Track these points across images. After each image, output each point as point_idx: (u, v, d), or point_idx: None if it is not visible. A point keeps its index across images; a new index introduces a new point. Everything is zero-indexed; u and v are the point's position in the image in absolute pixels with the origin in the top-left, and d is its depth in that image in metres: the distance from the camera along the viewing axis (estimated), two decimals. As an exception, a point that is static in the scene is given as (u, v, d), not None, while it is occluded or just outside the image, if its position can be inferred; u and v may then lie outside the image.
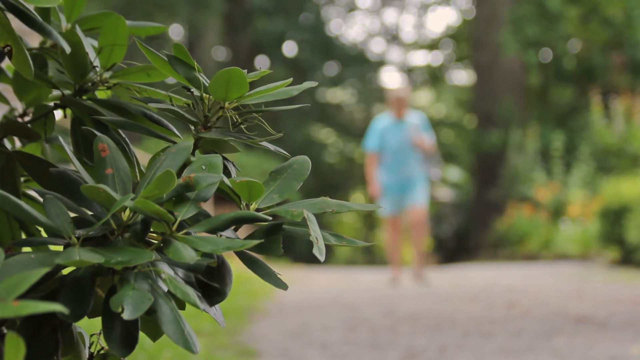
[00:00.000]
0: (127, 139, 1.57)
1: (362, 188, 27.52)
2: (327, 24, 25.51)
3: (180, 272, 1.40)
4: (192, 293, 1.29)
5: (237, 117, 1.53)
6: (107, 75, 1.57)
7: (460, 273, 11.50)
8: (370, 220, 27.63)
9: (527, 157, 16.74)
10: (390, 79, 51.38)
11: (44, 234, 1.41)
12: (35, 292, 1.34)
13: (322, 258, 1.34)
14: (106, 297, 1.33)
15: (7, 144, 1.64)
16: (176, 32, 23.88)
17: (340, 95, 26.98)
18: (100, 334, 1.50)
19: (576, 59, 19.54)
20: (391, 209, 9.96)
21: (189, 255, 1.27)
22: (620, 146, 13.83)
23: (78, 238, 1.32)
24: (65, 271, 1.34)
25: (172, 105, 1.54)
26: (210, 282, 1.42)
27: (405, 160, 9.99)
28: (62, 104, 1.59)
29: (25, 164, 1.54)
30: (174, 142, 1.49)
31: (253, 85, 1.53)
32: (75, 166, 1.43)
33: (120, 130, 1.57)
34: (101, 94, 1.64)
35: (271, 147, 1.55)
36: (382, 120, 10.27)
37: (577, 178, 14.47)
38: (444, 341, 4.92)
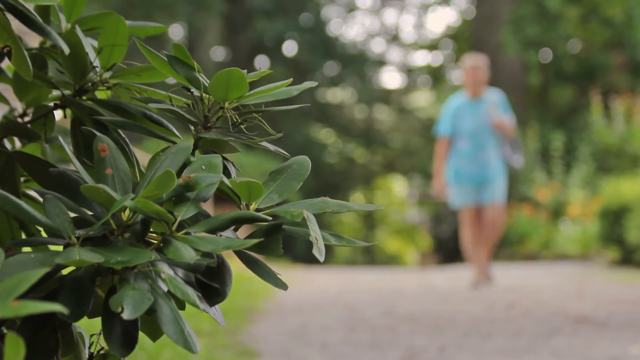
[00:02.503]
0: (127, 139, 1.57)
1: (362, 188, 27.53)
2: (327, 24, 25.51)
3: (180, 272, 1.40)
4: (192, 293, 1.29)
5: (237, 117, 1.53)
6: (107, 75, 1.57)
7: (460, 273, 11.50)
8: (370, 220, 27.63)
9: (527, 157, 16.75)
10: (390, 79, 51.41)
11: (44, 234, 1.41)
12: (35, 292, 1.34)
13: (321, 258, 1.34)
14: (106, 297, 1.33)
15: (7, 144, 1.65)
16: (176, 32, 23.88)
17: (340, 95, 26.98)
18: (100, 334, 1.50)
19: (576, 59, 19.53)
20: (467, 200, 8.75)
21: (189, 255, 1.27)
22: (620, 146, 13.84)
23: (78, 238, 1.32)
24: (65, 271, 1.35)
25: (172, 105, 1.54)
26: (210, 282, 1.42)
27: (483, 146, 8.71)
28: (62, 104, 1.59)
29: (25, 164, 1.54)
30: (174, 142, 1.50)
31: (253, 85, 1.53)
32: (75, 166, 1.43)
33: (120, 131, 1.57)
34: (101, 94, 1.64)
35: (271, 147, 1.56)
36: (456, 100, 8.95)
37: (577, 178, 14.47)
38: (444, 341, 4.92)
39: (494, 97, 8.83)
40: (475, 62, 8.79)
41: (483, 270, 8.68)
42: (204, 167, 1.41)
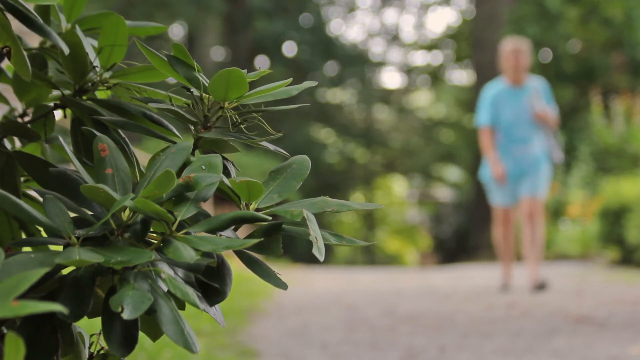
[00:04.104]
0: (127, 139, 1.57)
1: (362, 188, 27.53)
2: (327, 24, 25.52)
3: (180, 272, 1.40)
4: (192, 293, 1.29)
5: (237, 117, 1.53)
6: (107, 75, 1.57)
7: (460, 273, 11.50)
8: (370, 220, 27.64)
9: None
10: (390, 78, 51.41)
11: (44, 234, 1.41)
12: (35, 292, 1.34)
13: (321, 258, 1.34)
14: (106, 297, 1.33)
15: (7, 144, 1.65)
16: (176, 32, 23.89)
17: (340, 96, 26.99)
18: (100, 334, 1.50)
19: (576, 59, 19.53)
20: (504, 198, 8.09)
21: (189, 255, 1.27)
22: (620, 146, 13.83)
23: (78, 238, 1.32)
24: (65, 271, 1.35)
25: (172, 105, 1.54)
26: (210, 282, 1.42)
27: (523, 138, 7.97)
28: (62, 104, 1.59)
29: (25, 164, 1.54)
30: (174, 142, 1.50)
31: (253, 85, 1.53)
32: (75, 166, 1.43)
33: (120, 130, 1.57)
34: (101, 94, 1.64)
35: (271, 147, 1.56)
36: (494, 87, 8.18)
37: (577, 178, 14.46)
38: (444, 341, 4.92)
39: (536, 84, 8.07)
40: (517, 45, 8.01)
41: (534, 273, 7.91)
42: (203, 167, 1.41)
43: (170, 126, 1.58)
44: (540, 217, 7.98)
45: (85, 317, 1.35)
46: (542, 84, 8.12)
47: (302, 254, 17.88)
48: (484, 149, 8.08)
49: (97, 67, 1.57)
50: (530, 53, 8.16)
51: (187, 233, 1.36)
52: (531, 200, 7.93)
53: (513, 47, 7.99)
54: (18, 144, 1.78)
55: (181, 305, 1.41)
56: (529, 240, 7.99)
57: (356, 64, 25.08)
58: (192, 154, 1.50)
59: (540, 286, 7.72)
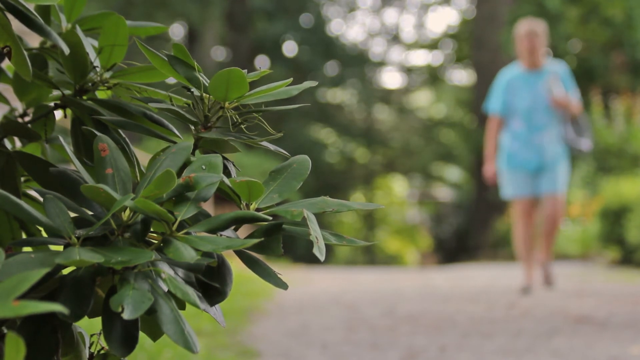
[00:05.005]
0: (127, 139, 1.57)
1: (362, 188, 27.54)
2: (327, 24, 25.52)
3: (181, 272, 1.40)
4: (192, 293, 1.29)
5: (237, 117, 1.53)
6: (107, 75, 1.58)
7: (460, 273, 11.50)
8: (370, 220, 27.64)
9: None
10: (390, 78, 51.43)
11: (44, 234, 1.41)
12: (35, 292, 1.34)
13: (322, 258, 1.34)
14: (106, 297, 1.33)
15: (7, 144, 1.65)
16: (176, 32, 23.89)
17: (340, 96, 27.00)
18: (100, 334, 1.50)
19: (576, 59, 19.53)
20: (522, 190, 7.54)
21: (189, 254, 1.27)
22: (620, 146, 13.83)
23: (78, 238, 1.32)
24: (65, 271, 1.35)
25: (172, 105, 1.55)
26: (211, 282, 1.42)
27: (540, 126, 7.47)
28: (62, 104, 1.59)
29: (25, 164, 1.54)
30: (174, 142, 1.50)
31: (253, 85, 1.53)
32: (75, 166, 1.43)
33: (120, 130, 1.57)
34: (101, 94, 1.64)
35: (271, 147, 1.56)
36: (509, 72, 7.69)
37: (577, 178, 14.46)
38: (444, 341, 4.92)
39: (556, 68, 7.54)
40: (532, 27, 7.46)
41: (546, 273, 7.60)
42: (204, 167, 1.41)
43: (171, 126, 1.58)
44: (562, 216, 7.66)
45: (86, 317, 1.35)
46: (562, 67, 7.59)
47: (302, 254, 17.88)
48: (486, 139, 7.71)
49: (97, 67, 1.57)
50: (546, 36, 7.59)
51: (188, 233, 1.36)
52: (553, 199, 7.51)
53: (527, 30, 7.45)
54: (18, 144, 1.78)
55: (181, 305, 1.41)
56: (545, 239, 7.67)
57: (356, 64, 25.09)
58: (193, 154, 1.50)
59: (550, 284, 7.56)
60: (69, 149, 1.50)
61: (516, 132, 7.51)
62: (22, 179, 1.66)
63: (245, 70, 1.48)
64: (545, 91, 7.44)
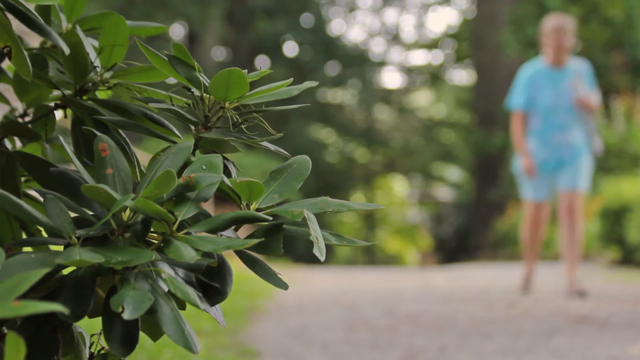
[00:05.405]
0: (127, 139, 1.57)
1: (363, 188, 27.54)
2: (327, 24, 25.53)
3: (181, 272, 1.40)
4: (192, 293, 1.29)
5: (238, 117, 1.53)
6: (107, 75, 1.57)
7: (461, 273, 11.50)
8: (370, 220, 27.64)
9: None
10: (391, 78, 51.43)
11: (44, 234, 1.41)
12: (35, 292, 1.34)
13: (322, 258, 1.34)
14: (106, 297, 1.33)
15: (8, 144, 1.65)
16: (177, 32, 23.90)
17: (340, 96, 27.00)
18: (100, 334, 1.50)
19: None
20: (537, 193, 7.36)
21: (189, 255, 1.27)
22: (620, 146, 13.83)
23: (78, 238, 1.32)
24: (65, 271, 1.35)
25: (173, 105, 1.54)
26: (211, 282, 1.42)
27: (561, 125, 7.23)
28: (63, 104, 1.59)
29: (26, 164, 1.54)
30: (174, 142, 1.50)
31: (253, 85, 1.53)
32: (75, 166, 1.43)
33: (120, 130, 1.57)
34: (101, 94, 1.64)
35: (271, 147, 1.56)
36: (532, 67, 7.42)
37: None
38: (444, 341, 4.92)
39: (579, 67, 7.29)
40: (560, 23, 7.21)
41: (572, 277, 7.24)
42: (204, 167, 1.41)
43: (171, 126, 1.58)
44: (581, 213, 7.23)
45: (86, 317, 1.35)
46: (586, 67, 7.35)
47: (302, 254, 17.89)
48: (514, 138, 7.37)
49: (97, 67, 1.57)
50: (573, 33, 7.34)
51: (188, 233, 1.36)
52: (571, 194, 7.19)
53: (555, 26, 7.20)
54: (18, 144, 1.78)
55: (182, 305, 1.41)
56: (568, 239, 7.29)
57: (357, 64, 25.09)
58: (193, 154, 1.50)
59: (581, 293, 7.03)
60: (69, 149, 1.50)
61: (535, 130, 7.30)
62: (23, 179, 1.66)
63: (246, 70, 1.48)
64: (570, 90, 7.22)
